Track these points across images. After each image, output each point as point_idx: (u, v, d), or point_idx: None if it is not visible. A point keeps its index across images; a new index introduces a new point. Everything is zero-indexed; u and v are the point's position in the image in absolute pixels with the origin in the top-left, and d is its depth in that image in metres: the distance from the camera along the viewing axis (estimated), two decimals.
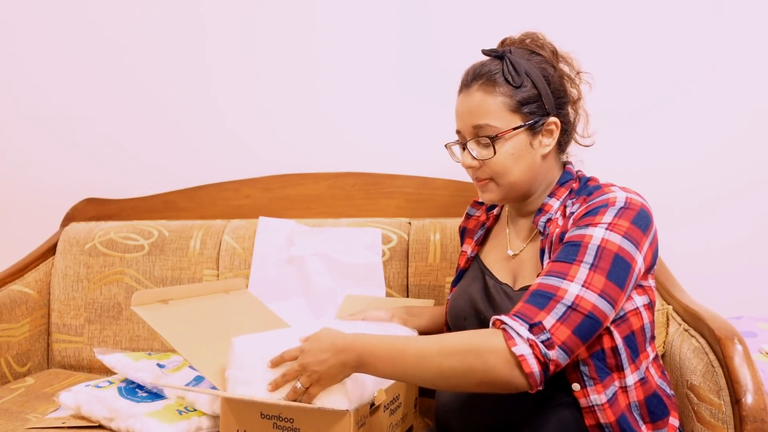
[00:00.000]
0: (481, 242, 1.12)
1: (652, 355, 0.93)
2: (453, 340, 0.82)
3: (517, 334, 0.78)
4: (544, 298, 0.81)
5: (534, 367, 0.77)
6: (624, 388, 0.88)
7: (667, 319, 1.14)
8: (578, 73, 1.04)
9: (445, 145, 1.06)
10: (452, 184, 1.57)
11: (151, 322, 0.98)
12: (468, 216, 1.20)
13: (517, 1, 1.56)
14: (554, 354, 0.78)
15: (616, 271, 0.82)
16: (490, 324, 0.83)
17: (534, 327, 0.79)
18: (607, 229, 0.84)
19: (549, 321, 0.79)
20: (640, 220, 0.85)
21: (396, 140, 1.66)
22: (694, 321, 1.02)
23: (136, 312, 0.99)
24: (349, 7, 1.66)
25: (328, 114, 1.70)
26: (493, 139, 0.94)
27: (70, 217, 1.80)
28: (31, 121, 1.91)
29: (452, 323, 1.07)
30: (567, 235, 0.87)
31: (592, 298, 0.80)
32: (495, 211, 1.14)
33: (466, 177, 1.57)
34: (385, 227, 1.52)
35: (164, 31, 1.79)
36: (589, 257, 0.82)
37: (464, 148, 0.99)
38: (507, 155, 0.95)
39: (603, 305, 0.80)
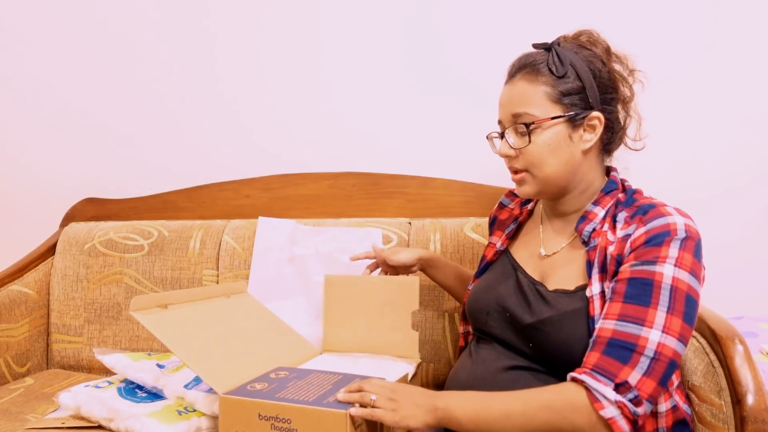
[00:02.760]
0: (512, 236, 1.10)
1: (677, 382, 0.92)
2: (536, 399, 0.81)
3: (603, 396, 0.77)
4: (626, 351, 0.79)
5: (624, 427, 0.77)
6: (654, 414, 0.87)
7: None
8: (632, 71, 1.01)
9: (487, 137, 1.03)
10: (452, 184, 1.57)
11: (150, 327, 0.98)
12: (501, 206, 1.18)
13: (523, 2, 1.55)
14: (642, 409, 0.77)
15: (689, 311, 0.81)
16: (567, 378, 0.82)
17: (620, 387, 0.77)
18: (675, 266, 0.82)
19: (634, 377, 0.78)
20: (698, 251, 0.85)
21: (396, 140, 1.65)
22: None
23: (135, 317, 0.99)
24: (354, 8, 1.66)
25: (329, 114, 1.70)
26: (529, 126, 0.92)
27: (70, 217, 1.80)
28: (31, 120, 1.91)
29: (472, 316, 1.05)
30: (632, 268, 0.84)
31: (672, 344, 0.79)
32: (529, 207, 1.11)
33: (466, 177, 1.59)
34: (386, 227, 1.52)
35: (170, 28, 1.79)
36: (663, 299, 0.80)
37: (502, 137, 0.98)
38: (543, 145, 0.92)
39: (681, 348, 0.80)
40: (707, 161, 1.49)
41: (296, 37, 1.70)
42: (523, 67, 0.95)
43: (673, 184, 1.49)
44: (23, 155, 1.93)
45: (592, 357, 0.81)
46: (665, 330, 0.79)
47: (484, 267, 1.11)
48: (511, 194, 1.19)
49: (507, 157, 0.97)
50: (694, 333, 1.01)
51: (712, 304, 1.05)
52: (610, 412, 0.77)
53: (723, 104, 1.48)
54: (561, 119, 0.92)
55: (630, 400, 0.77)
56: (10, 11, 1.90)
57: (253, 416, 0.89)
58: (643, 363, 0.78)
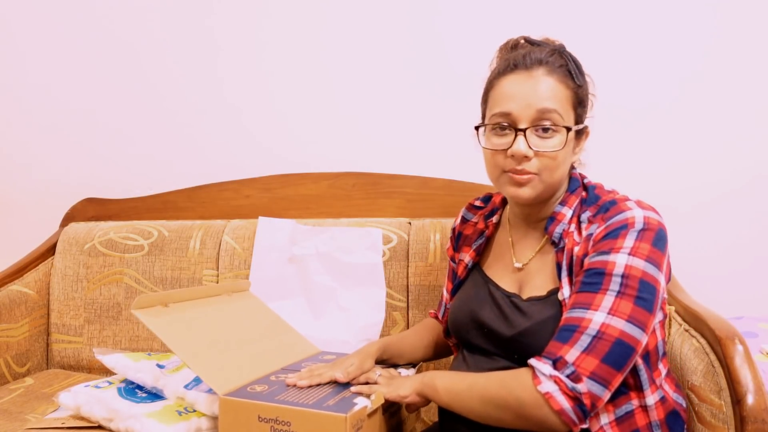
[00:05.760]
0: (481, 251, 1.08)
1: (664, 372, 0.92)
2: (496, 376, 0.86)
3: (541, 372, 0.79)
4: (568, 332, 0.80)
5: (564, 403, 0.77)
6: (644, 407, 0.87)
7: (669, 320, 1.13)
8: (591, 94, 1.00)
9: (475, 127, 0.97)
10: (452, 184, 1.57)
11: (150, 325, 0.98)
12: (464, 220, 1.15)
13: (522, 2, 1.55)
14: (584, 386, 0.77)
15: (643, 295, 0.81)
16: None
17: (557, 362, 0.79)
18: (629, 254, 0.82)
19: (572, 354, 0.78)
20: (659, 241, 0.84)
21: (396, 140, 1.65)
22: (695, 321, 1.02)
23: (136, 315, 0.99)
24: (355, 9, 1.66)
25: (330, 114, 1.70)
26: (569, 131, 0.89)
27: (70, 217, 1.80)
28: (31, 120, 1.91)
29: (454, 333, 1.05)
30: (588, 261, 0.85)
31: (620, 324, 0.79)
32: (494, 219, 1.08)
33: (466, 177, 1.59)
34: (386, 227, 1.52)
35: (172, 28, 1.79)
36: (614, 285, 0.81)
37: (516, 134, 0.89)
38: (564, 152, 0.89)
39: (632, 330, 0.79)
40: (706, 164, 1.49)
41: (297, 36, 1.70)
42: (542, 63, 0.90)
43: (672, 188, 1.49)
44: (23, 155, 1.93)
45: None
46: (611, 312, 0.80)
47: (458, 284, 1.10)
48: (472, 207, 1.15)
49: (523, 157, 0.88)
50: (694, 333, 1.01)
51: (712, 304, 1.06)
52: (546, 386, 0.78)
53: (721, 108, 1.48)
54: (579, 127, 0.93)
55: (567, 376, 0.77)
56: (11, 11, 1.90)
57: (253, 418, 0.89)
58: (584, 341, 0.79)
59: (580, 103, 0.93)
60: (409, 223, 1.54)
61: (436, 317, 1.23)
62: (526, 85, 0.89)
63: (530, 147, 0.88)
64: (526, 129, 0.89)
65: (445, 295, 1.20)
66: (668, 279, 0.90)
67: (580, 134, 0.96)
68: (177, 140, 1.80)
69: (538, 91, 0.88)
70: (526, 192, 0.91)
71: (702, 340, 0.97)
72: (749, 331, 1.25)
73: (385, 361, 1.09)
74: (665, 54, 1.49)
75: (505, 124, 0.91)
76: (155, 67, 1.80)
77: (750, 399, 0.83)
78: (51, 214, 1.85)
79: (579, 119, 0.94)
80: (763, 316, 1.34)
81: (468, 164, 1.58)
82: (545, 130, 0.89)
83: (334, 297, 1.48)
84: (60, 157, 1.89)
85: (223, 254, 1.57)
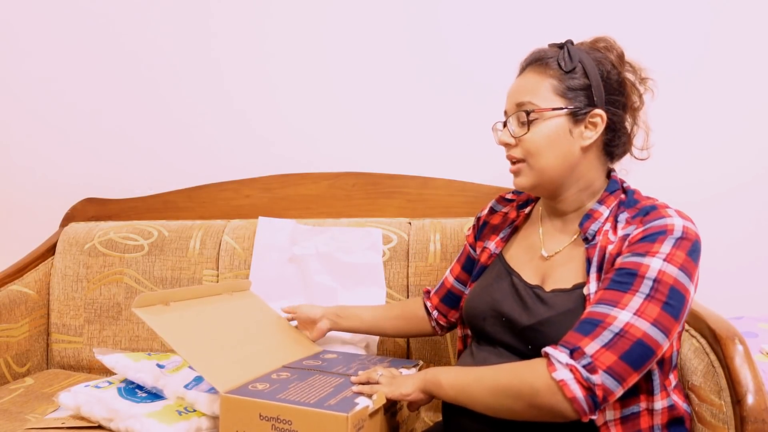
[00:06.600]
0: (506, 240, 1.10)
1: (674, 382, 0.92)
2: (507, 366, 0.87)
3: (557, 360, 0.80)
4: (591, 325, 0.81)
5: (577, 392, 0.77)
6: (650, 411, 0.87)
7: None
8: (643, 80, 1.02)
9: (492, 128, 1.05)
10: (452, 184, 1.57)
11: (152, 324, 0.98)
12: (492, 210, 1.18)
13: (523, 1, 1.56)
14: (598, 378, 0.77)
15: (672, 302, 0.81)
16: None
17: (574, 352, 0.79)
18: (664, 260, 0.83)
19: (592, 346, 0.79)
20: (694, 252, 0.85)
21: (396, 140, 1.65)
22: (695, 321, 1.02)
23: (137, 314, 0.99)
24: (357, 9, 1.66)
25: (330, 113, 1.70)
26: (529, 114, 0.94)
27: (70, 217, 1.80)
28: (31, 120, 1.91)
29: (469, 321, 1.05)
30: (621, 260, 0.86)
31: (644, 326, 0.79)
32: (526, 210, 1.11)
33: (466, 177, 1.59)
34: (386, 227, 1.52)
35: (172, 27, 1.78)
36: (645, 288, 0.81)
37: (505, 126, 1.00)
38: (542, 136, 0.94)
39: (655, 334, 0.79)
40: (706, 161, 1.49)
41: (298, 35, 1.70)
42: (534, 61, 0.98)
43: (673, 185, 1.49)
44: (23, 155, 1.93)
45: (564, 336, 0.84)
46: (637, 313, 0.80)
47: (479, 271, 1.10)
48: (503, 199, 1.18)
49: (507, 145, 0.98)
50: (694, 333, 1.01)
51: (712, 304, 1.06)
52: (561, 374, 0.79)
53: (721, 104, 1.48)
54: (562, 111, 0.94)
55: (584, 366, 0.78)
56: (11, 10, 1.90)
57: (254, 416, 0.89)
58: (605, 336, 0.79)
59: (572, 89, 0.94)
60: (409, 223, 1.54)
61: (428, 292, 1.27)
62: (515, 84, 1.00)
63: (511, 135, 0.98)
64: (506, 121, 0.99)
65: (448, 276, 1.22)
66: (695, 292, 0.89)
67: (578, 119, 0.95)
68: (177, 140, 1.80)
69: (519, 87, 0.99)
70: (520, 181, 0.99)
71: (702, 340, 0.98)
72: (749, 331, 1.25)
73: (339, 325, 1.25)
74: (664, 49, 1.49)
75: (503, 121, 1.01)
76: (156, 67, 1.81)
77: (750, 399, 0.83)
78: (51, 214, 1.85)
79: (573, 103, 0.94)
80: (763, 316, 1.34)
81: (468, 164, 1.60)
82: (520, 120, 0.96)
83: (335, 297, 1.48)
84: (60, 157, 1.89)
85: (223, 254, 1.57)
